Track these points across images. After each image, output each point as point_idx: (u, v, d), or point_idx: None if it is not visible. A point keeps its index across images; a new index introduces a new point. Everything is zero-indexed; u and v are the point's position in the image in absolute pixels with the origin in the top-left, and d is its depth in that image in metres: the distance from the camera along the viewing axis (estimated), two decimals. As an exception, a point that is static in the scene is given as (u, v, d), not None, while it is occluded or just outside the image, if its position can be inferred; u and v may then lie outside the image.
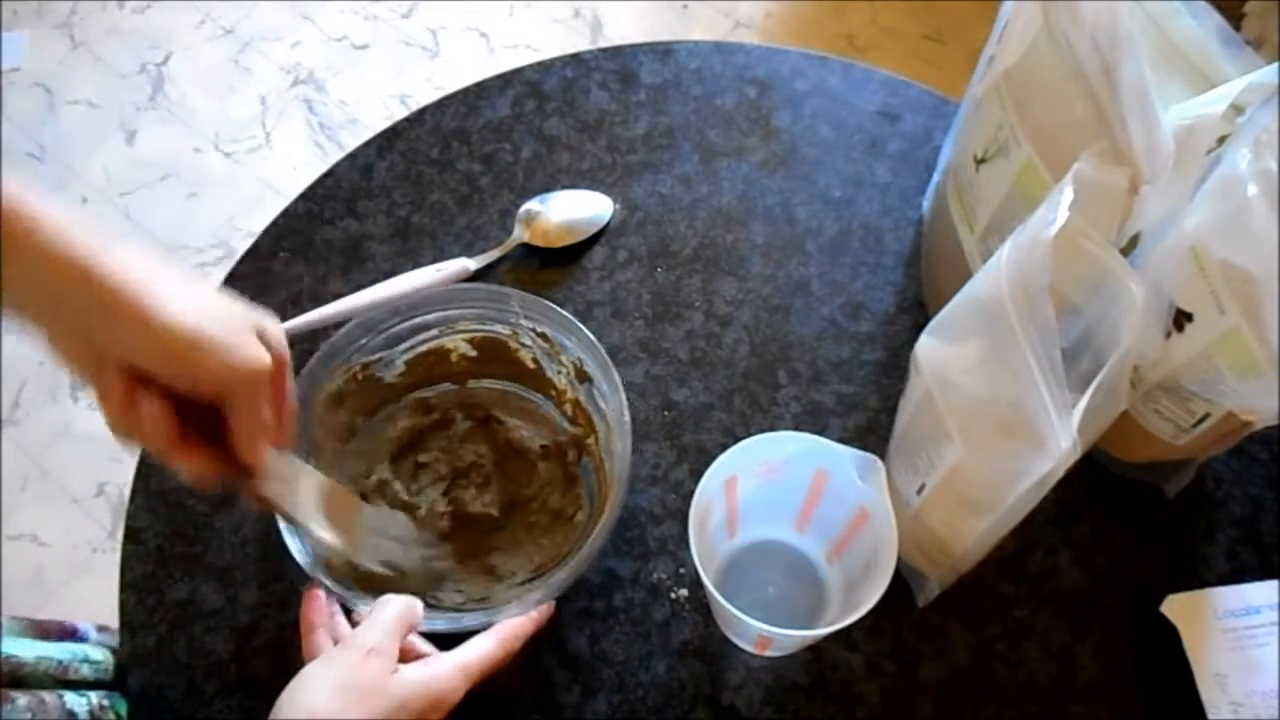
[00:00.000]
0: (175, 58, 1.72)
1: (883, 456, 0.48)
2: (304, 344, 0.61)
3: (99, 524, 1.34)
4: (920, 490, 0.49)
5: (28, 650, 0.58)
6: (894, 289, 0.66)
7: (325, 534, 0.48)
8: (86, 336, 0.38)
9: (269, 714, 0.42)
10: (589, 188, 0.70)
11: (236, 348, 0.40)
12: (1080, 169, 0.41)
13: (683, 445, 0.61)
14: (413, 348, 0.58)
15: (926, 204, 0.68)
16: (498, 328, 0.58)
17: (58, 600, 1.29)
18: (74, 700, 0.56)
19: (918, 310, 0.65)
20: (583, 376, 0.57)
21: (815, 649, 0.56)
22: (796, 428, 0.62)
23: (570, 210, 0.69)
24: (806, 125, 0.72)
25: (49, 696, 0.55)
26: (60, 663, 0.58)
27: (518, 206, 0.69)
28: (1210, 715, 0.50)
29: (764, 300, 0.66)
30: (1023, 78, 0.48)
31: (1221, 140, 0.44)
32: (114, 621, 0.58)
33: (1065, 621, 0.56)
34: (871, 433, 0.62)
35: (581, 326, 0.55)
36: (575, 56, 0.76)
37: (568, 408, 0.59)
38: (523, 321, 0.57)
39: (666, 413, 0.62)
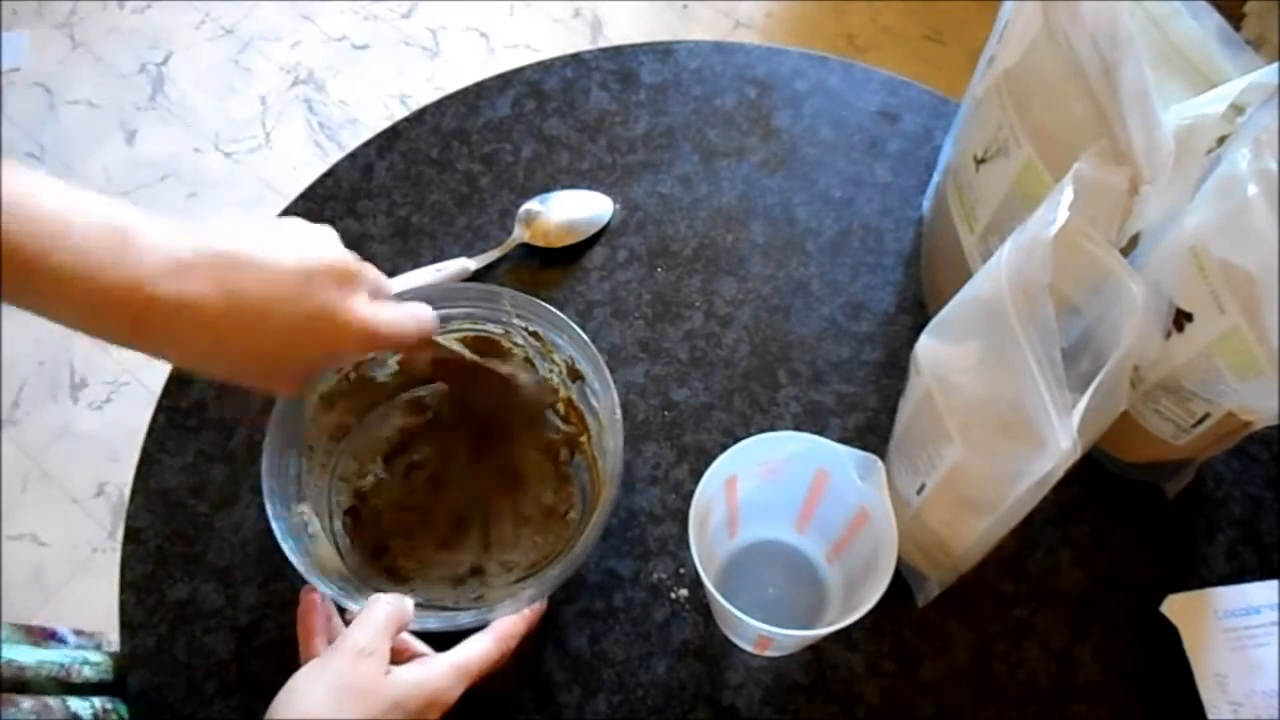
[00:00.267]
0: (175, 58, 1.72)
1: (883, 456, 0.48)
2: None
3: (99, 524, 1.34)
4: (920, 490, 0.49)
5: (29, 655, 0.58)
6: (894, 289, 0.66)
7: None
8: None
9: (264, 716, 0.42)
10: (589, 188, 0.70)
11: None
12: (1080, 169, 0.41)
13: (683, 445, 0.61)
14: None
15: (926, 204, 0.68)
16: (490, 327, 0.58)
17: (58, 600, 1.29)
18: (78, 704, 0.56)
19: (918, 310, 0.65)
20: (575, 375, 0.57)
21: (815, 649, 0.56)
22: (796, 428, 0.62)
23: (570, 210, 0.69)
24: (806, 125, 0.72)
25: (53, 700, 0.55)
26: (62, 666, 0.58)
27: (518, 206, 0.69)
28: (1210, 715, 0.50)
29: (764, 300, 0.66)
30: (1023, 78, 0.48)
31: (1221, 140, 0.44)
32: (114, 621, 0.58)
33: (1065, 621, 0.56)
34: (871, 433, 0.62)
35: (573, 325, 0.55)
36: (575, 56, 0.76)
37: (560, 406, 0.59)
38: (514, 320, 0.57)
39: (666, 413, 0.62)
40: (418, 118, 0.73)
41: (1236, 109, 0.43)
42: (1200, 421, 0.50)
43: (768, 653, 0.55)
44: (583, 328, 0.55)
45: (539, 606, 0.51)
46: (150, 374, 1.42)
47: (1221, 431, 0.51)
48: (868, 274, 0.67)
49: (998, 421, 0.41)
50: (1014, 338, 0.38)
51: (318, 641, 0.47)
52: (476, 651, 0.47)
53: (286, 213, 0.70)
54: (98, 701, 0.57)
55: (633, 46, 0.76)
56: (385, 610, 0.46)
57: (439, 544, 0.57)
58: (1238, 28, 0.89)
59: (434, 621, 0.49)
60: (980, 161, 0.53)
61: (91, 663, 0.60)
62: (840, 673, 0.55)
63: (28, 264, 0.36)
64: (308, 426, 0.55)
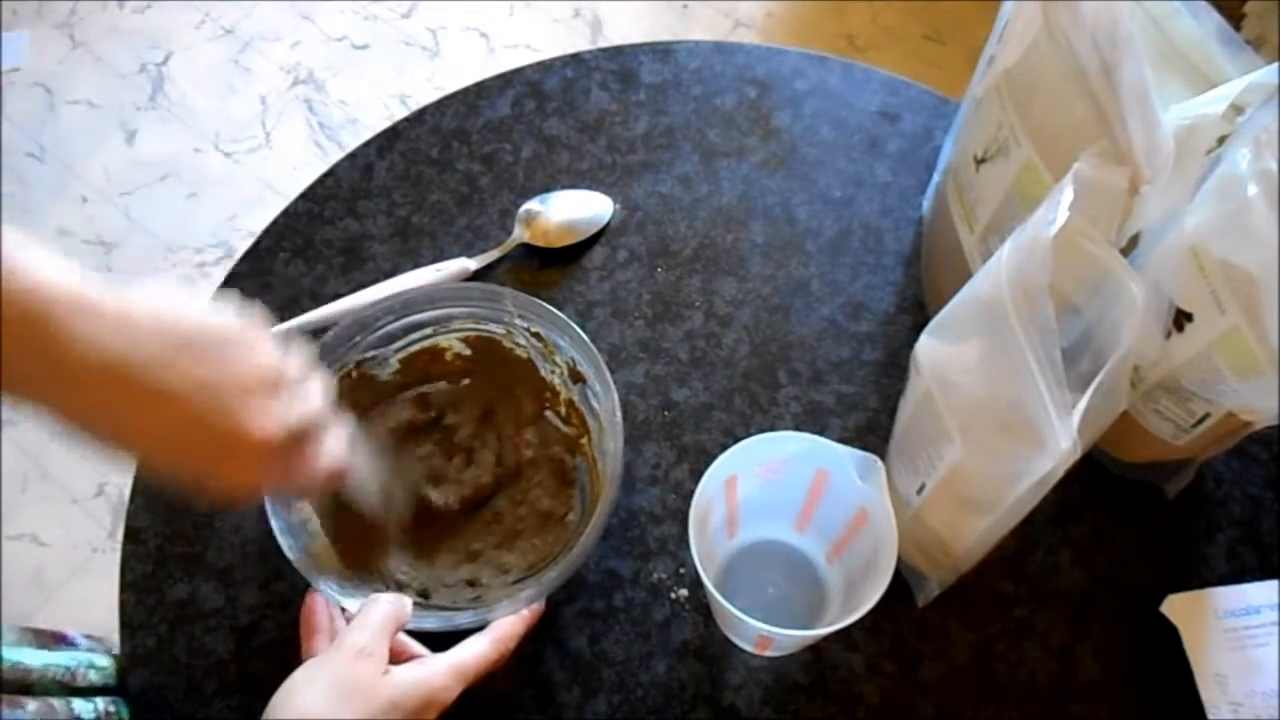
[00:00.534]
0: (175, 58, 1.72)
1: (883, 456, 0.48)
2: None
3: (99, 524, 1.34)
4: (920, 490, 0.49)
5: (34, 658, 0.58)
6: (894, 289, 0.66)
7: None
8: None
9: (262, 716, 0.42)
10: (589, 188, 0.70)
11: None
12: (1080, 169, 0.41)
13: (683, 445, 0.61)
14: (407, 346, 0.58)
15: (926, 204, 0.68)
16: (492, 327, 0.58)
17: (58, 600, 1.29)
18: (81, 706, 0.56)
19: (918, 310, 0.65)
20: (576, 376, 0.57)
21: (815, 649, 0.56)
22: (796, 428, 0.62)
23: (570, 210, 0.69)
24: (806, 125, 0.72)
25: (57, 703, 0.55)
26: (68, 669, 0.58)
27: (518, 206, 0.69)
28: (1210, 715, 0.50)
29: (764, 300, 0.66)
30: (1023, 78, 0.48)
31: (1221, 140, 0.44)
32: (114, 621, 0.58)
33: (1065, 621, 0.56)
34: (871, 433, 0.62)
35: (575, 326, 0.55)
36: (575, 56, 0.75)
37: (561, 408, 0.59)
38: (517, 321, 0.57)
39: (666, 413, 0.62)
40: (418, 118, 0.73)
41: (1236, 109, 0.43)
42: (1200, 421, 0.50)
43: (768, 653, 0.55)
44: (583, 328, 0.55)
45: (537, 607, 0.51)
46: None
47: (1221, 431, 0.51)
48: (868, 274, 0.67)
49: (998, 421, 0.41)
50: (1014, 338, 0.38)
51: (319, 641, 0.47)
52: (475, 652, 0.47)
53: (287, 212, 0.70)
54: (100, 703, 0.57)
55: (633, 46, 0.76)
56: (384, 610, 0.46)
57: (439, 547, 0.57)
58: (1238, 28, 0.89)
59: (432, 621, 0.49)
60: (980, 161, 0.53)
61: (98, 666, 0.60)
62: (840, 673, 0.55)
63: None
64: None
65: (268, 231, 0.70)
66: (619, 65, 0.75)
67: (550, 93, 0.74)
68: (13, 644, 0.60)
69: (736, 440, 0.48)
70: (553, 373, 0.58)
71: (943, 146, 0.65)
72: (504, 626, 0.48)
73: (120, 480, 1.36)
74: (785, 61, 0.75)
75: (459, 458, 0.59)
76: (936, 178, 0.66)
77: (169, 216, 1.57)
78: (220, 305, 0.40)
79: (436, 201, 0.70)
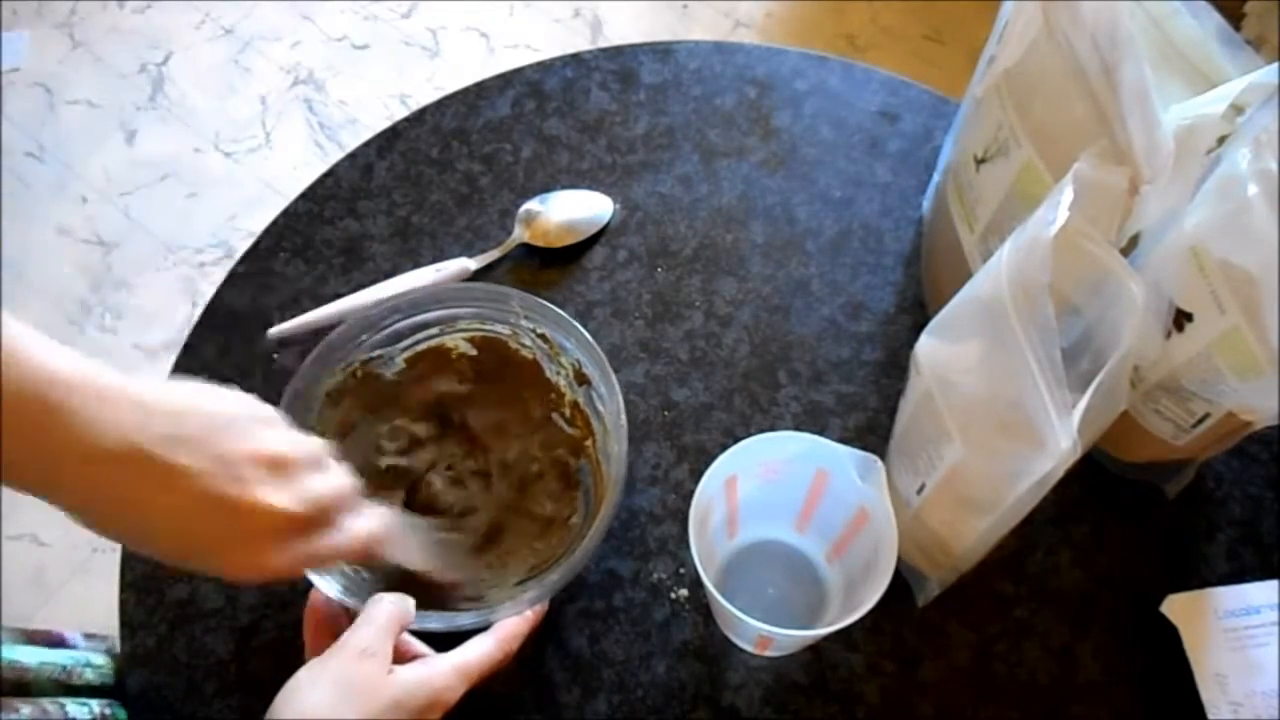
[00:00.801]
0: (175, 58, 1.72)
1: (883, 456, 0.48)
2: (304, 344, 0.61)
3: (99, 524, 1.33)
4: (920, 490, 0.49)
5: (31, 656, 0.57)
6: (894, 289, 0.66)
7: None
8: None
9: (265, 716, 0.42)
10: (589, 188, 0.70)
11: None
12: (1080, 169, 0.41)
13: (683, 445, 0.61)
14: (413, 345, 0.58)
15: (926, 204, 0.68)
16: (498, 327, 0.58)
17: (58, 600, 1.29)
18: (76, 709, 0.56)
19: (918, 310, 0.65)
20: (581, 378, 0.57)
21: (815, 649, 0.56)
22: (796, 428, 0.62)
23: (570, 210, 0.69)
24: (806, 125, 0.72)
25: (51, 706, 0.55)
26: (64, 668, 0.58)
27: (518, 206, 0.69)
28: (1210, 715, 0.50)
29: (764, 300, 0.66)
30: (1023, 78, 0.48)
31: (1221, 140, 0.44)
32: (114, 621, 0.58)
33: (1065, 621, 0.56)
34: (871, 433, 0.62)
35: (580, 328, 0.55)
36: (575, 56, 0.76)
37: (566, 410, 0.59)
38: (523, 322, 0.57)
39: (666, 413, 0.62)
40: (418, 118, 0.73)
41: (1236, 109, 0.43)
42: (1200, 421, 0.50)
43: (768, 653, 0.55)
44: (583, 328, 0.55)
45: (540, 608, 0.51)
46: (150, 373, 1.42)
47: (1221, 431, 0.51)
48: (868, 274, 0.67)
49: (998, 421, 0.41)
50: (1014, 338, 0.38)
51: (323, 641, 0.47)
52: (478, 652, 0.47)
53: (287, 212, 0.70)
54: (96, 706, 0.57)
55: (633, 46, 0.76)
56: (387, 610, 0.46)
57: (443, 549, 0.57)
58: (1238, 28, 0.89)
59: (435, 622, 0.49)
60: (980, 161, 0.53)
61: (94, 665, 0.60)
62: (840, 673, 0.55)
63: None
64: (313, 421, 0.55)
65: (268, 231, 0.70)
66: (619, 65, 0.75)
67: (550, 93, 0.74)
68: (9, 643, 0.60)
69: (736, 440, 0.48)
70: (558, 374, 0.58)
71: (943, 146, 0.65)
72: (508, 627, 0.48)
73: (120, 480, 1.35)
74: (785, 61, 0.75)
75: (470, 484, 0.59)
76: (936, 178, 0.66)
77: (169, 216, 1.57)
78: (232, 392, 0.40)
79: (436, 201, 0.70)
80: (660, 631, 0.56)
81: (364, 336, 0.56)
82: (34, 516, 1.34)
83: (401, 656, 0.46)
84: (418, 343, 0.58)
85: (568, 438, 0.59)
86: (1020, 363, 0.38)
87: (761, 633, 0.46)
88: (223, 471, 0.38)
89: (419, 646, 0.49)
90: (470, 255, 0.67)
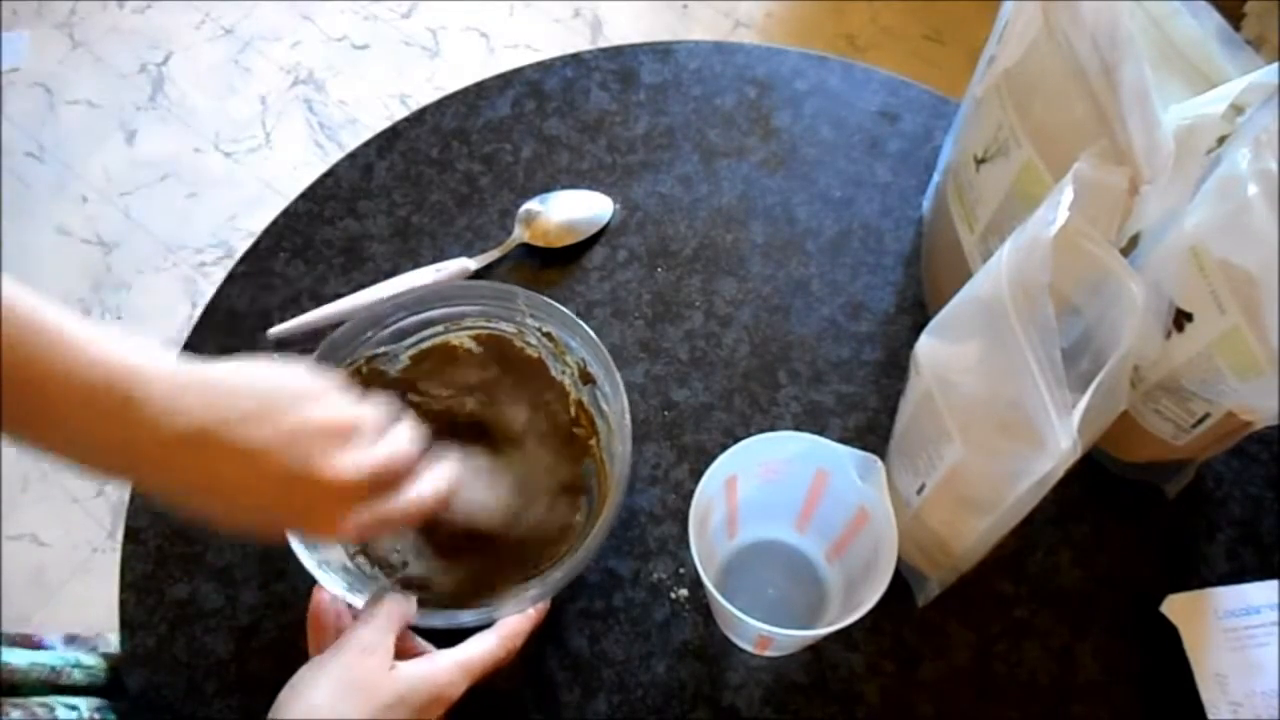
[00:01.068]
0: (175, 58, 1.72)
1: (883, 456, 0.48)
2: (304, 344, 0.61)
3: (99, 524, 1.34)
4: (920, 490, 0.49)
5: (20, 658, 0.57)
6: (894, 289, 0.66)
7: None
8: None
9: (268, 715, 0.42)
10: (589, 188, 0.70)
11: None
12: (1080, 169, 0.41)
13: (683, 445, 0.61)
14: (418, 343, 0.58)
15: (926, 204, 0.68)
16: (503, 325, 0.58)
17: (58, 600, 1.29)
18: (65, 713, 0.56)
19: (918, 310, 0.65)
20: (586, 377, 0.57)
21: (815, 649, 0.56)
22: (796, 428, 0.62)
23: (570, 210, 0.69)
24: (806, 125, 0.72)
25: (39, 708, 0.55)
26: (53, 669, 0.58)
27: (518, 206, 0.69)
28: (1210, 715, 0.50)
29: (764, 300, 0.66)
30: (1023, 78, 0.48)
31: (1221, 140, 0.44)
32: (114, 622, 0.58)
33: (1065, 621, 0.56)
34: (871, 433, 0.62)
35: (585, 327, 0.55)
36: (575, 56, 0.76)
37: (570, 409, 0.59)
38: (528, 320, 0.57)
39: (666, 413, 0.62)
40: (418, 118, 0.73)
41: (1236, 109, 0.43)
42: (1200, 421, 0.50)
43: (768, 653, 0.55)
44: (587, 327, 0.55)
45: (543, 606, 0.51)
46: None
47: (1221, 431, 0.51)
48: (868, 274, 0.67)
49: (998, 421, 0.41)
50: (1014, 338, 0.38)
51: (326, 639, 0.47)
52: (481, 649, 0.47)
53: (287, 212, 0.70)
54: (85, 709, 0.57)
55: (633, 46, 0.76)
56: (389, 607, 0.46)
57: (443, 544, 0.57)
58: (1238, 28, 0.89)
59: (436, 619, 0.49)
60: (980, 161, 0.53)
61: (84, 666, 0.60)
62: (840, 673, 0.55)
63: (15, 421, 0.36)
64: None
65: (268, 231, 0.70)
66: (619, 65, 0.75)
67: (550, 93, 0.74)
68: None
69: (736, 440, 0.48)
70: (563, 373, 0.59)
71: (943, 146, 0.65)
72: (511, 624, 0.48)
73: (120, 480, 1.35)
74: (785, 61, 0.75)
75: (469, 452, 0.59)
76: (936, 178, 0.66)
77: (169, 216, 1.57)
78: (291, 364, 0.42)
79: (436, 201, 0.70)
80: (660, 631, 0.56)
81: (369, 333, 0.56)
82: (34, 516, 1.34)
83: (404, 653, 0.46)
84: (422, 340, 0.58)
85: (574, 438, 0.59)
86: (1020, 363, 0.38)
87: (761, 633, 0.46)
88: (291, 446, 0.39)
89: (421, 643, 0.49)
90: (470, 255, 0.67)
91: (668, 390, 0.63)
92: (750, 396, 0.63)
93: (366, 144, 0.73)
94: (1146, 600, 0.54)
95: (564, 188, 0.70)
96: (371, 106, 1.66)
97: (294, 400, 0.40)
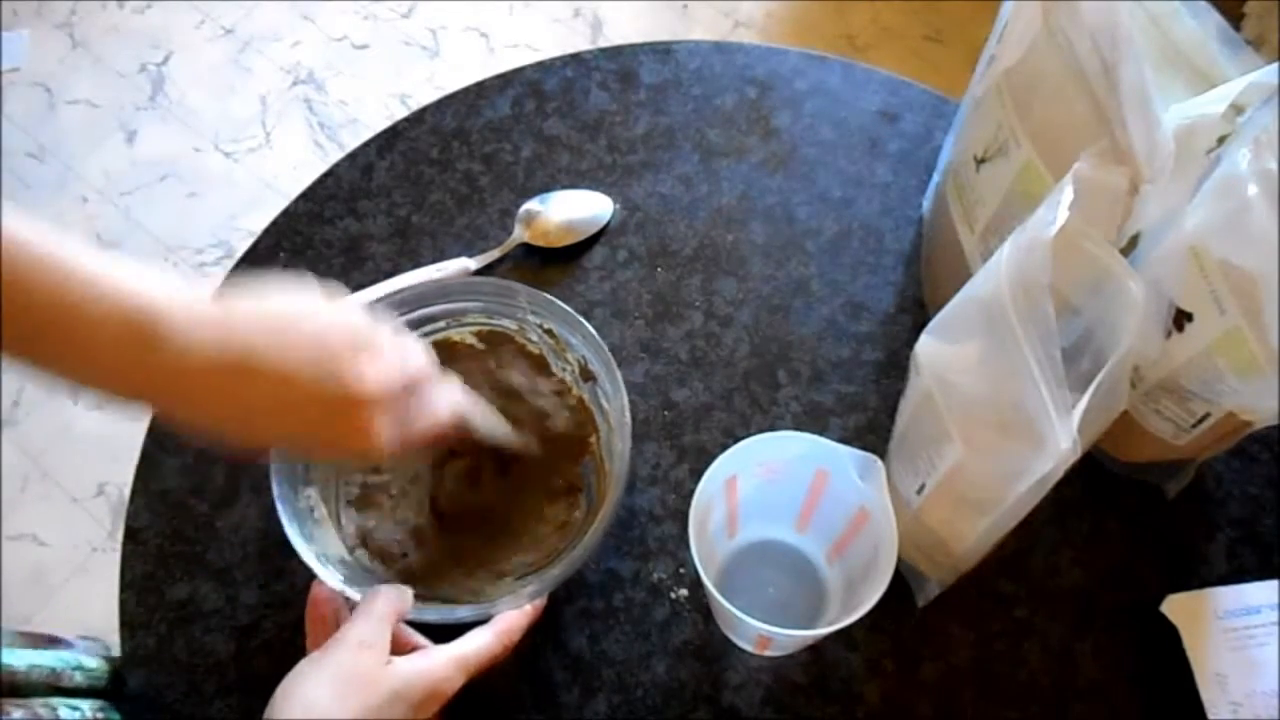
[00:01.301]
0: (175, 58, 1.72)
1: (883, 456, 0.48)
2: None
3: (99, 524, 1.34)
4: (920, 490, 0.49)
5: (20, 659, 0.57)
6: (894, 289, 0.66)
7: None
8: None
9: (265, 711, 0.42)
10: (589, 188, 0.70)
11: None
12: (1080, 169, 0.41)
13: (683, 445, 0.61)
14: (419, 339, 0.59)
15: (926, 204, 0.68)
16: (505, 322, 0.58)
17: (58, 600, 1.29)
18: (67, 713, 0.56)
19: (918, 310, 0.65)
20: (587, 375, 0.57)
21: (815, 649, 0.56)
22: (796, 428, 0.62)
23: (570, 210, 0.69)
24: (806, 125, 0.72)
25: (42, 709, 0.55)
26: (53, 670, 0.58)
27: (518, 206, 0.69)
28: (1210, 715, 0.50)
29: (764, 300, 0.66)
30: (1023, 78, 0.48)
31: (1221, 140, 0.44)
32: (114, 622, 0.58)
33: (1065, 621, 0.56)
34: (871, 433, 0.62)
35: (587, 324, 0.55)
36: (575, 56, 0.75)
37: (571, 406, 0.59)
38: (530, 317, 0.57)
39: (666, 413, 0.62)
40: (418, 118, 0.73)
41: (1236, 109, 0.43)
42: (1200, 421, 0.50)
43: (768, 653, 0.55)
44: (588, 324, 0.55)
45: (540, 603, 0.51)
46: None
47: (1221, 431, 0.51)
48: (868, 274, 0.67)
49: (998, 421, 0.41)
50: (1014, 338, 0.38)
51: (325, 634, 0.47)
52: (478, 644, 0.47)
53: (287, 212, 0.70)
54: (87, 709, 0.57)
55: (633, 46, 0.76)
56: (385, 601, 0.46)
57: (443, 543, 0.57)
58: (1238, 28, 0.89)
59: (432, 614, 0.49)
60: (980, 161, 0.53)
61: (86, 669, 0.60)
62: (840, 673, 0.55)
63: (35, 351, 0.36)
64: None
65: (268, 231, 0.70)
66: (619, 65, 0.75)
67: (550, 93, 0.74)
68: (5, 646, 0.60)
69: (736, 440, 0.48)
70: (563, 370, 0.59)
71: (943, 146, 0.65)
72: (507, 620, 0.48)
73: (120, 480, 1.36)
74: (785, 61, 0.75)
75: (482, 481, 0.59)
76: (936, 178, 0.66)
77: (169, 216, 1.57)
78: (305, 284, 0.42)
79: (436, 201, 0.70)
80: (660, 631, 0.56)
81: None
82: (34, 516, 1.34)
83: (400, 648, 0.46)
84: (424, 336, 0.59)
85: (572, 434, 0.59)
86: (1020, 363, 0.38)
87: (761, 633, 0.46)
88: (318, 364, 0.40)
89: (417, 638, 0.49)
90: (470, 255, 0.67)
91: (668, 390, 0.63)
92: (750, 396, 0.63)
93: (366, 144, 0.73)
94: (1146, 600, 0.54)
95: (564, 188, 0.70)
96: (371, 106, 1.66)
97: (314, 319, 0.41)
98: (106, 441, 1.39)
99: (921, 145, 0.71)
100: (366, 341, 0.42)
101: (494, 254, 0.67)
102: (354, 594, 0.48)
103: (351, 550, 0.54)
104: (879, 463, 0.47)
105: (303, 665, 0.43)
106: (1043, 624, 0.56)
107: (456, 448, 0.57)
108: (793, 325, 0.65)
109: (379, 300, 0.57)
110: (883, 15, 1.72)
